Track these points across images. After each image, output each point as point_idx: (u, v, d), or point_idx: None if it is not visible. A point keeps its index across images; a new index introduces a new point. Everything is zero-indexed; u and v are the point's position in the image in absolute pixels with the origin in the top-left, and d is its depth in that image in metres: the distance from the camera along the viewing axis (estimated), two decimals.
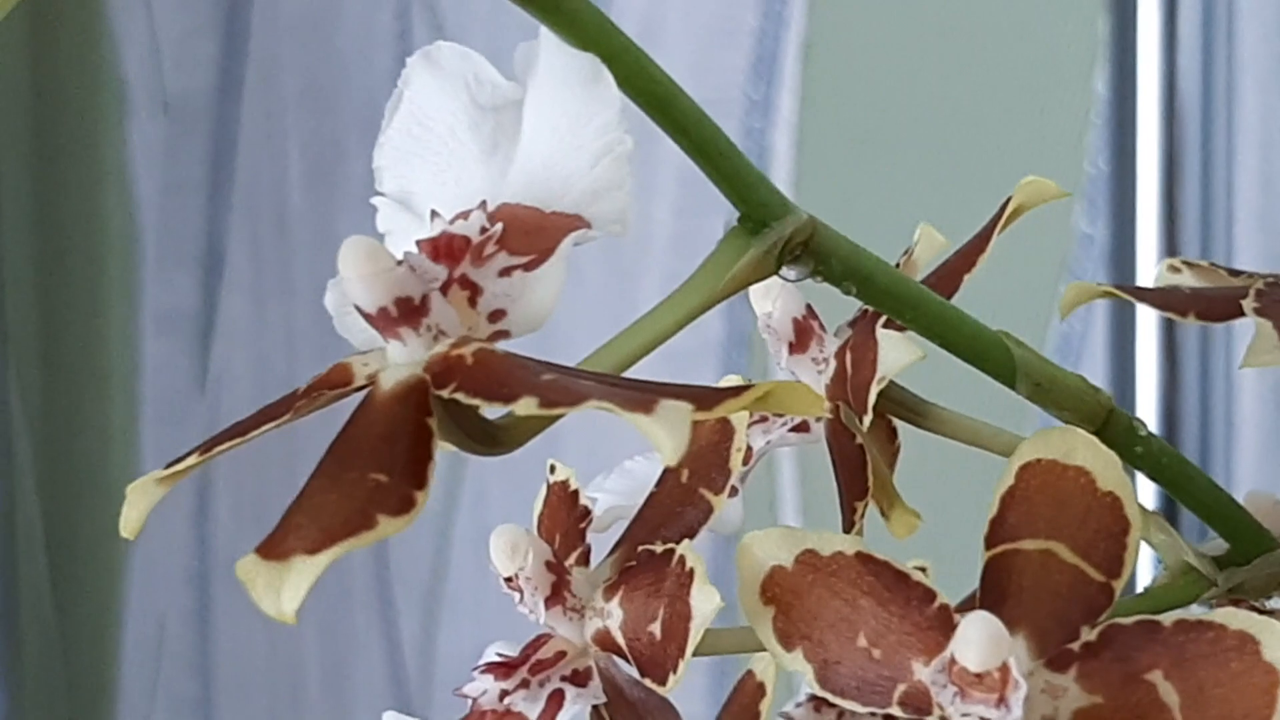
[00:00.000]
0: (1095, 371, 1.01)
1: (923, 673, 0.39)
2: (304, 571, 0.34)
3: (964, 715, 0.38)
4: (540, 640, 0.43)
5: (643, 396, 0.35)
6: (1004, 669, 0.37)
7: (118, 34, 1.44)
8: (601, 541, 0.46)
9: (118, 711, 1.50)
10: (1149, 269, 1.11)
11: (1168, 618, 0.38)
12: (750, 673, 0.51)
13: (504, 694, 0.42)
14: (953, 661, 0.38)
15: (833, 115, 1.23)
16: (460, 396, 0.36)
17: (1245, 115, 1.10)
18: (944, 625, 0.39)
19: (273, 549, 0.35)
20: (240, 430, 0.37)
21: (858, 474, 0.44)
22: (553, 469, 0.45)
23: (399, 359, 0.37)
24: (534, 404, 0.35)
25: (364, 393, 0.37)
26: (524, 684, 0.42)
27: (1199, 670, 0.38)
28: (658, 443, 0.35)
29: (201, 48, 1.42)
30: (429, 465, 0.36)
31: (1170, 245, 1.10)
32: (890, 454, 0.48)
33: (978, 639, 0.37)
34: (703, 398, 0.37)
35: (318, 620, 1.41)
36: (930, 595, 0.40)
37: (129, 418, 1.47)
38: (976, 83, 1.18)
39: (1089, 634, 0.39)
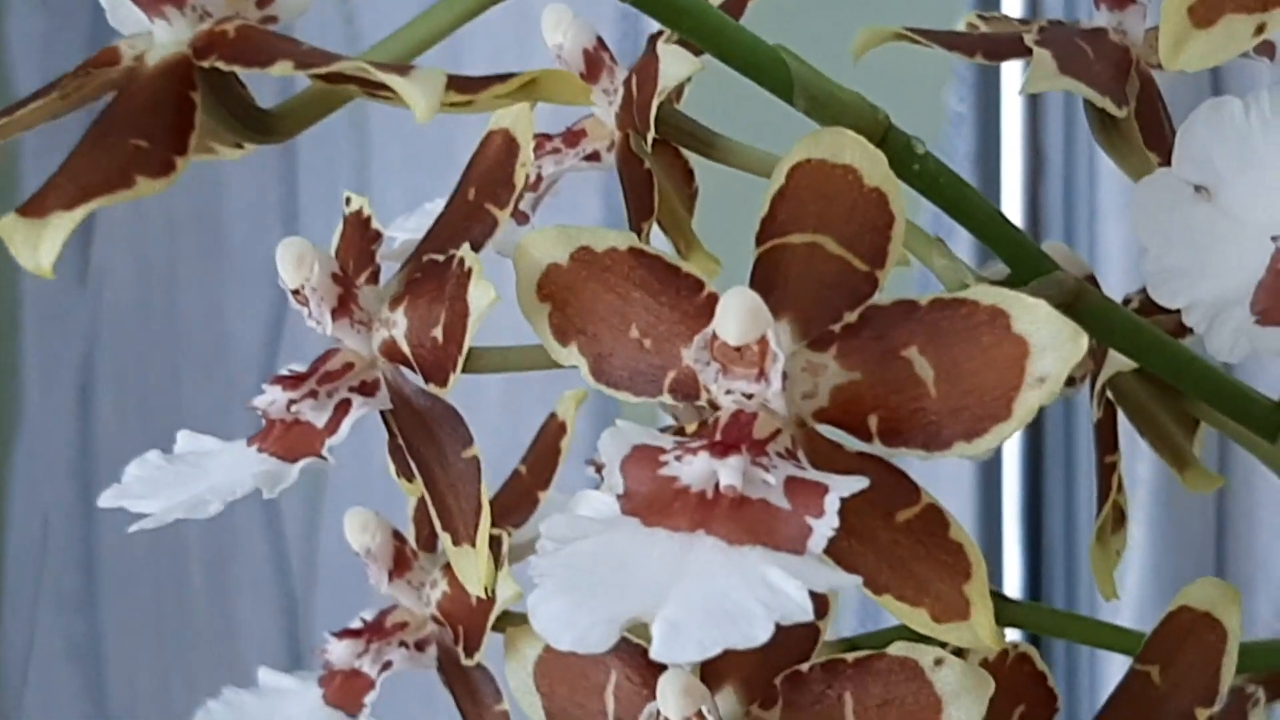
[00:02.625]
0: None
1: (689, 356, 0.39)
2: (60, 226, 0.35)
3: (727, 392, 0.39)
4: (328, 354, 0.43)
5: (401, 65, 0.36)
6: (763, 342, 0.38)
7: None
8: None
9: (2, 608, 1.49)
10: (1014, 144, 1.12)
11: (924, 297, 0.39)
12: (553, 414, 0.52)
13: (291, 403, 0.43)
14: (714, 337, 0.38)
15: None
16: (220, 64, 0.37)
17: None
18: (711, 312, 0.39)
19: (32, 208, 0.35)
20: (8, 110, 0.38)
21: (645, 197, 0.45)
22: (348, 201, 0.46)
23: (164, 39, 0.38)
24: (289, 66, 0.36)
25: (128, 73, 0.38)
26: (312, 394, 0.43)
27: (953, 345, 0.38)
28: (411, 100, 0.35)
29: None
30: (190, 134, 0.37)
31: (1034, 123, 1.11)
32: (688, 196, 0.49)
33: (736, 310, 0.38)
34: (468, 82, 0.37)
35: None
36: (699, 285, 0.40)
37: (10, 315, 1.47)
38: None
39: (850, 316, 0.39)
